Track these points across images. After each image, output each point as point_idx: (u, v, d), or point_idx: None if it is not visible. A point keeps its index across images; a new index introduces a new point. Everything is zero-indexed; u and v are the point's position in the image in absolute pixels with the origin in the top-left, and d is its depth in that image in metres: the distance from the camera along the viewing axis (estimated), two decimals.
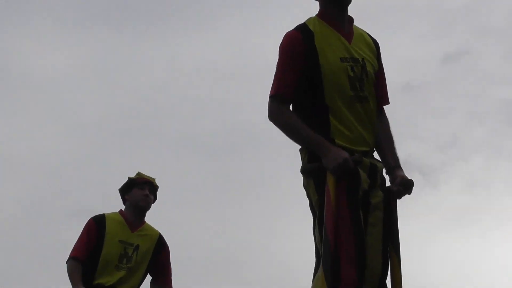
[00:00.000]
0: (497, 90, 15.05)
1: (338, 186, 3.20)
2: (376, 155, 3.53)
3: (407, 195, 3.42)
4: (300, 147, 3.41)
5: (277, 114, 3.39)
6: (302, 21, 3.57)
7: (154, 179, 5.59)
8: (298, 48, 3.37)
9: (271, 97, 3.40)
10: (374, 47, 3.52)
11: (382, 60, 3.61)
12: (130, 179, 5.55)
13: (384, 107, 3.62)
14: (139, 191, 5.45)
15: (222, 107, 14.81)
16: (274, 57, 3.65)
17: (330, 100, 3.33)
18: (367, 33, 3.55)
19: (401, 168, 3.46)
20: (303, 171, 3.37)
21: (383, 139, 3.51)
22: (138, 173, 5.59)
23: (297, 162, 3.50)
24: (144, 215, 5.55)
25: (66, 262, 5.37)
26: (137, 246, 5.39)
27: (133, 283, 5.40)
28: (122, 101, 14.87)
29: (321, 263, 3.15)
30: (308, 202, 3.40)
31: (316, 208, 3.28)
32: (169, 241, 5.64)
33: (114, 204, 5.86)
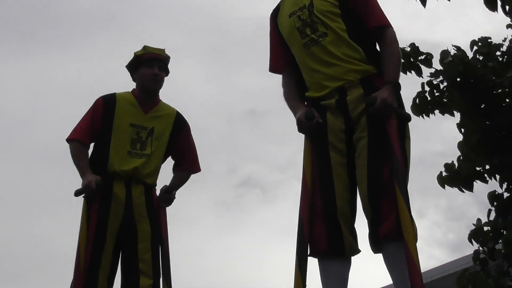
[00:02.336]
0: None
1: (308, 143, 3.47)
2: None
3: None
4: None
5: (282, 89, 3.74)
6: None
7: (163, 50, 4.94)
8: (271, 24, 3.78)
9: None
10: None
11: None
12: (135, 55, 4.90)
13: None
14: (148, 70, 4.81)
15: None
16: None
17: (296, 56, 3.61)
18: None
19: (386, 85, 3.35)
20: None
21: (382, 61, 3.48)
22: (145, 48, 4.92)
23: None
24: (157, 94, 4.93)
25: (68, 142, 4.78)
26: (152, 130, 4.79)
27: (150, 170, 4.78)
28: None
29: None
30: None
31: None
32: None
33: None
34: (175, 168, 4.98)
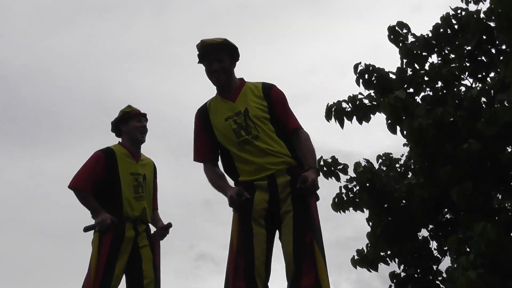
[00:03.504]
0: None
1: (236, 216, 3.85)
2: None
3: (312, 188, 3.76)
4: None
5: (206, 174, 4.08)
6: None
7: (145, 114, 5.45)
8: (199, 122, 4.11)
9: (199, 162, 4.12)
10: (262, 92, 4.06)
11: (275, 99, 4.04)
12: (125, 111, 5.36)
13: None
14: (137, 123, 5.31)
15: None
16: None
17: (231, 151, 3.98)
18: (262, 84, 4.14)
19: (311, 169, 3.84)
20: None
21: (299, 154, 3.97)
22: (130, 106, 5.41)
23: None
24: (140, 147, 5.40)
25: (71, 189, 5.11)
26: (144, 176, 5.27)
27: (150, 211, 5.31)
28: None
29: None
30: None
31: None
32: None
33: None
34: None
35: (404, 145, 9.52)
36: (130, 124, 5.32)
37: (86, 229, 5.05)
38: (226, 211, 4.00)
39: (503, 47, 9.18)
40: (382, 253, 9.11)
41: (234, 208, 3.87)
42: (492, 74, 9.17)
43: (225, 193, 3.91)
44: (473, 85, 9.36)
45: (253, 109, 3.97)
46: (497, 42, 9.15)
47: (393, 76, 9.17)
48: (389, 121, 8.63)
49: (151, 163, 5.47)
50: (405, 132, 8.34)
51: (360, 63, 9.12)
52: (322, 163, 9.24)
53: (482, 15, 9.16)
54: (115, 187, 5.09)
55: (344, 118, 8.94)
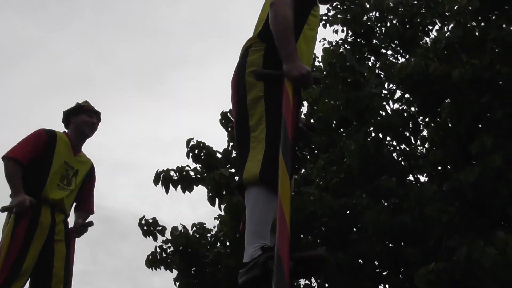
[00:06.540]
0: None
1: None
2: None
3: None
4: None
5: (282, 10, 3.32)
6: None
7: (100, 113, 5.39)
8: None
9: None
10: None
11: None
12: (79, 104, 5.30)
13: None
14: (88, 118, 5.27)
15: None
16: None
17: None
18: None
19: None
20: (259, 73, 3.30)
21: None
22: (87, 102, 5.35)
23: None
24: (84, 142, 5.32)
25: (7, 159, 4.89)
26: (77, 171, 5.17)
27: (71, 202, 5.15)
28: None
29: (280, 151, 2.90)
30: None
31: (255, 104, 3.27)
32: None
33: None
34: (77, 209, 5.33)
35: (215, 218, 10.46)
36: (80, 117, 5.27)
37: (4, 209, 4.84)
38: None
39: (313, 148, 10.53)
40: None
41: (302, 85, 3.25)
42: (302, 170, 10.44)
43: (293, 58, 3.23)
44: None
45: None
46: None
47: (220, 155, 10.20)
48: (210, 194, 9.45)
49: (89, 163, 5.39)
50: (223, 206, 9.17)
51: (192, 138, 10.08)
52: (143, 222, 9.98)
53: (302, 116, 10.59)
54: (44, 168, 4.96)
55: (170, 185, 9.75)
